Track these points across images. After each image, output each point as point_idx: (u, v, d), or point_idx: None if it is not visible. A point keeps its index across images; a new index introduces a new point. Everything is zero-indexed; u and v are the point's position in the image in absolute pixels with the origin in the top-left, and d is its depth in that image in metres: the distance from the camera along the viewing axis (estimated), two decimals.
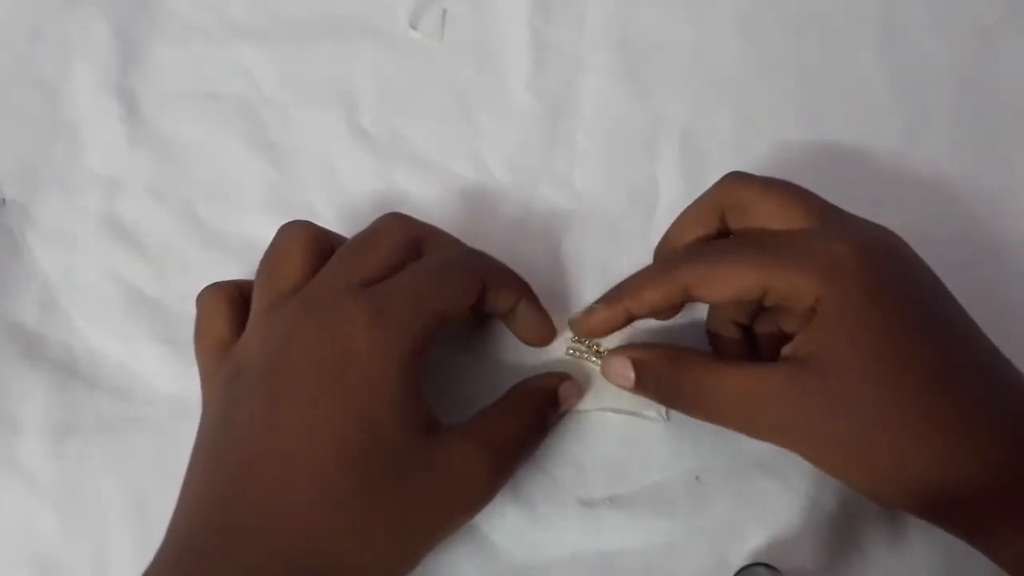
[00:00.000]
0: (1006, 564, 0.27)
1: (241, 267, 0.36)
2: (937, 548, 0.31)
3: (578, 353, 0.33)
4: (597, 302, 0.31)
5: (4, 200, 0.38)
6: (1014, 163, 0.37)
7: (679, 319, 0.33)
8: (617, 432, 0.33)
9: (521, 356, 0.34)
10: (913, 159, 0.37)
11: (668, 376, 0.30)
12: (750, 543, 0.32)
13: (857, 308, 0.27)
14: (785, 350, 0.28)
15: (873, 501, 0.29)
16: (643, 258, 0.34)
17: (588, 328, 0.32)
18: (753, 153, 0.37)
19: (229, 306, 0.31)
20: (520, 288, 0.32)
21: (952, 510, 0.27)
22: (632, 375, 0.30)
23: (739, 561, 0.31)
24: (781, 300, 0.28)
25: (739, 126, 0.38)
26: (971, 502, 0.26)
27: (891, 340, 0.26)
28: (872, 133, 0.38)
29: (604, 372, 0.32)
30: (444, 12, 0.40)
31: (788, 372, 0.27)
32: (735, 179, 0.30)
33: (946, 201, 0.36)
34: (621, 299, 0.30)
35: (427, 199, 0.37)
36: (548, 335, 0.33)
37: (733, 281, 0.28)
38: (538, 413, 0.31)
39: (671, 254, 0.32)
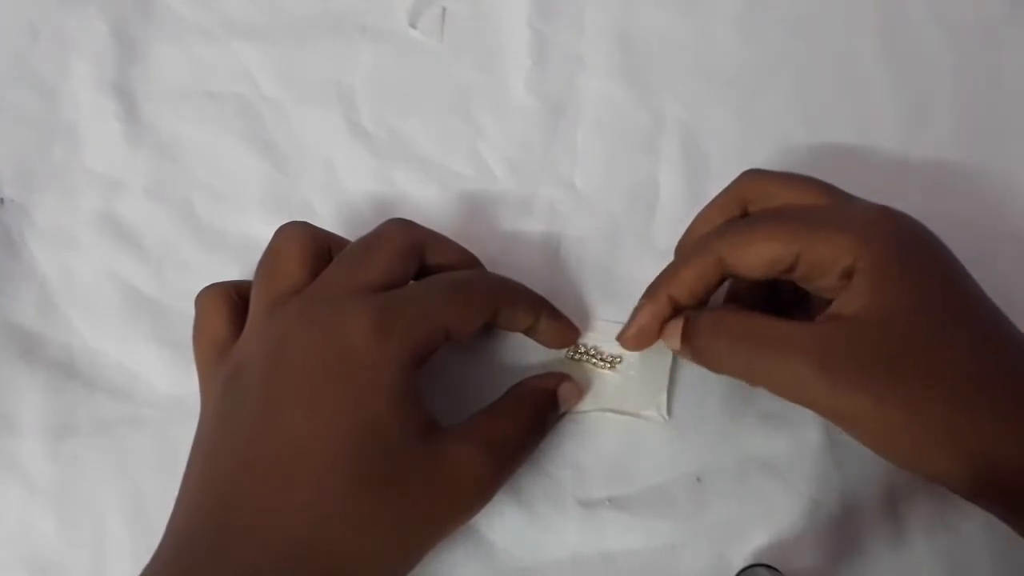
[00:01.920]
0: None
1: (240, 266, 0.36)
2: (938, 549, 0.31)
3: (578, 355, 0.33)
4: (639, 302, 0.31)
5: (2, 199, 0.38)
6: (1018, 158, 0.37)
7: None
8: (617, 432, 0.33)
9: (521, 356, 0.34)
10: (915, 155, 0.37)
11: (710, 322, 0.29)
12: (751, 544, 0.31)
13: (898, 263, 0.26)
14: (828, 311, 0.27)
15: (912, 471, 0.27)
16: (643, 258, 0.34)
17: (639, 330, 0.30)
18: (754, 152, 0.37)
19: (228, 306, 0.31)
20: (538, 307, 0.32)
21: (999, 483, 0.25)
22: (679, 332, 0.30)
23: (740, 562, 0.31)
24: (814, 266, 0.27)
25: (740, 126, 0.38)
26: (1019, 476, 0.25)
27: (936, 296, 0.26)
28: (874, 130, 0.37)
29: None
30: (444, 11, 0.40)
31: (833, 329, 0.26)
32: (754, 174, 0.31)
33: (949, 198, 0.36)
34: (660, 287, 0.30)
35: (426, 199, 0.37)
36: (572, 339, 0.33)
37: (768, 247, 0.28)
38: (537, 413, 0.31)
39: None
